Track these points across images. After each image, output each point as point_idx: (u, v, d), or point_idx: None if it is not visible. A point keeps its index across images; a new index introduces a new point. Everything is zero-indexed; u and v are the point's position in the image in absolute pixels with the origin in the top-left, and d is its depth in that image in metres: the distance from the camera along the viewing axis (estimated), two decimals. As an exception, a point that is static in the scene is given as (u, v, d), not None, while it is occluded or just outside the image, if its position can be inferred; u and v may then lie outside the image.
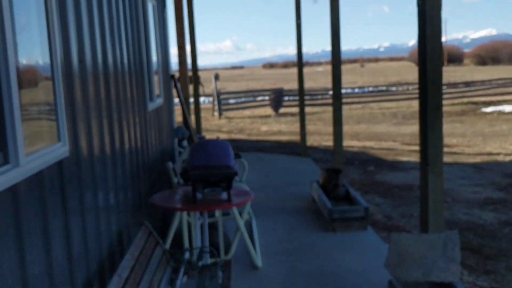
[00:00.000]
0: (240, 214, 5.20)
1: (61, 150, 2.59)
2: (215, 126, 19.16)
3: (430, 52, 3.84)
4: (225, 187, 4.31)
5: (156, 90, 6.30)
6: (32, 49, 2.44)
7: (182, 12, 11.06)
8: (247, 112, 23.42)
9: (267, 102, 23.72)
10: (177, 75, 8.18)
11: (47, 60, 2.57)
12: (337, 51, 7.24)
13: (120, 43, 4.26)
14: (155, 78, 6.31)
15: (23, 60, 2.32)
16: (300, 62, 10.90)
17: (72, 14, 2.99)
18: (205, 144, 4.46)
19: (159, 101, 6.29)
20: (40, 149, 2.36)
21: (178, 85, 7.99)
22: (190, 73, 11.76)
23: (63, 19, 2.82)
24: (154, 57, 6.26)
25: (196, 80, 11.95)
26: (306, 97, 24.28)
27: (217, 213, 5.25)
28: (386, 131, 15.40)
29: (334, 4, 6.90)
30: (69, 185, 2.74)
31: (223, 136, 16.02)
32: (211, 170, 4.21)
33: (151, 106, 5.57)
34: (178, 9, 10.99)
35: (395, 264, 3.97)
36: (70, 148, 2.77)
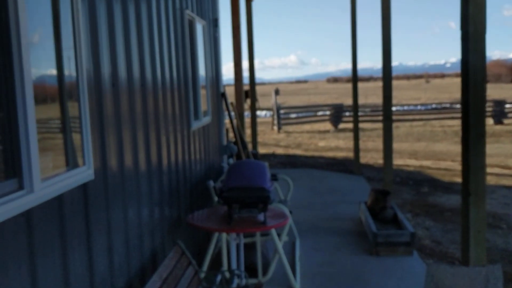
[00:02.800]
0: (279, 235, 5.16)
1: (85, 173, 2.65)
2: (273, 140, 19.18)
3: (472, 76, 3.69)
4: (261, 208, 4.30)
5: (204, 108, 6.38)
6: (54, 69, 2.52)
7: (239, 31, 11.20)
8: (306, 127, 23.34)
9: (327, 117, 23.55)
10: (227, 90, 8.25)
11: (74, 82, 2.64)
12: (388, 71, 7.09)
13: (162, 65, 4.35)
14: (204, 97, 6.39)
15: (46, 81, 2.41)
16: (354, 78, 10.78)
17: (105, 38, 3.08)
18: (241, 165, 4.46)
19: (206, 119, 6.36)
20: (60, 173, 2.43)
21: (228, 102, 8.05)
22: (246, 88, 11.88)
23: (94, 43, 2.90)
24: (202, 77, 6.34)
25: (253, 95, 12.04)
26: (369, 112, 23.99)
27: (256, 233, 5.23)
28: (445, 150, 14.91)
29: (385, 24, 6.77)
30: (94, 207, 2.80)
31: (279, 150, 16.01)
32: (245, 191, 4.21)
33: (196, 124, 5.64)
34: (235, 28, 11.14)
35: (432, 297, 3.81)
36: (97, 170, 2.83)
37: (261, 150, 15.62)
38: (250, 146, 11.64)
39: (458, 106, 24.67)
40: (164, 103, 4.40)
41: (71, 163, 2.59)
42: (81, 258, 2.62)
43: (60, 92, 2.56)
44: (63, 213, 2.43)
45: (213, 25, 7.32)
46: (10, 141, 2.09)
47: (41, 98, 2.32)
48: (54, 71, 2.50)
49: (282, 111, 23.76)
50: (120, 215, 3.22)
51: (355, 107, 10.91)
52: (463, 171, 3.89)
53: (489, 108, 21.93)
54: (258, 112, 25.40)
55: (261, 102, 25.55)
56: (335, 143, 17.49)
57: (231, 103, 8.92)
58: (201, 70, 6.31)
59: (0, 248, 1.93)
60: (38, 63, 2.31)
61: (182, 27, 5.25)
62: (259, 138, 17.53)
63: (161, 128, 4.24)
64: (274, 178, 4.74)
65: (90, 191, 2.75)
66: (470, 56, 3.67)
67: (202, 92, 6.30)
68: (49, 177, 2.30)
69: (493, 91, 39.33)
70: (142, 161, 3.71)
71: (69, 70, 2.60)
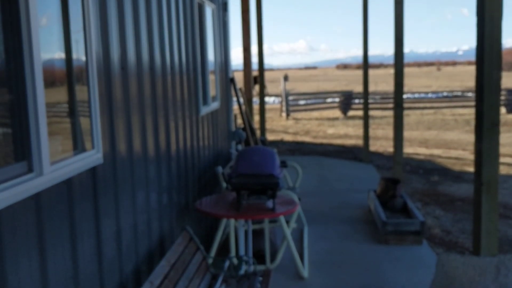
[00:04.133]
0: (288, 222, 5.14)
1: (94, 157, 2.63)
2: (282, 127, 19.12)
3: (487, 63, 3.61)
4: (270, 195, 4.28)
5: (213, 93, 6.34)
6: (63, 52, 2.48)
7: (249, 15, 11.11)
8: (315, 114, 23.23)
9: (336, 104, 23.43)
10: (236, 76, 8.19)
11: (83, 66, 2.61)
12: (400, 57, 7.00)
13: (171, 49, 4.30)
14: (212, 82, 6.34)
15: (55, 65, 2.38)
16: (365, 65, 10.68)
17: (114, 20, 3.04)
18: (250, 152, 4.43)
19: (215, 105, 6.32)
20: (69, 157, 2.40)
21: (237, 87, 8.00)
22: (255, 73, 11.80)
23: (103, 26, 2.86)
24: (211, 62, 6.29)
25: (261, 81, 11.96)
26: (378, 100, 23.86)
27: (265, 220, 5.21)
28: (456, 139, 14.80)
29: (398, 10, 6.67)
30: (103, 191, 2.79)
31: (288, 137, 15.96)
32: (254, 178, 4.18)
33: (205, 110, 5.60)
34: (244, 12, 11.05)
35: (442, 287, 3.78)
36: (106, 154, 2.81)
37: (269, 137, 15.57)
38: (258, 133, 11.60)
39: (470, 94, 24.46)
40: (173, 87, 4.36)
41: (80, 146, 2.56)
42: (90, 242, 2.61)
43: (69, 75, 2.53)
44: (72, 197, 2.41)
45: (223, 9, 7.25)
46: (20, 124, 2.07)
47: (50, 81, 2.29)
48: (63, 55, 2.47)
49: (290, 98, 23.65)
50: (128, 199, 3.20)
51: (365, 94, 10.83)
52: (476, 160, 3.83)
53: (501, 96, 21.73)
54: (267, 99, 25.32)
55: (269, 88, 25.53)
56: (344, 131, 17.40)
57: (240, 89, 8.86)
58: (210, 55, 6.25)
59: (10, 231, 1.91)
60: (48, 47, 2.28)
61: (192, 10, 5.19)
62: (267, 125, 17.46)
63: (169, 112, 4.20)
64: (283, 165, 4.70)
65: (99, 175, 2.73)
66: (486, 43, 3.59)
67: (211, 77, 6.25)
68: (58, 161, 2.28)
69: (506, 80, 38.83)
70: (151, 146, 3.68)
71: (78, 53, 2.57)
